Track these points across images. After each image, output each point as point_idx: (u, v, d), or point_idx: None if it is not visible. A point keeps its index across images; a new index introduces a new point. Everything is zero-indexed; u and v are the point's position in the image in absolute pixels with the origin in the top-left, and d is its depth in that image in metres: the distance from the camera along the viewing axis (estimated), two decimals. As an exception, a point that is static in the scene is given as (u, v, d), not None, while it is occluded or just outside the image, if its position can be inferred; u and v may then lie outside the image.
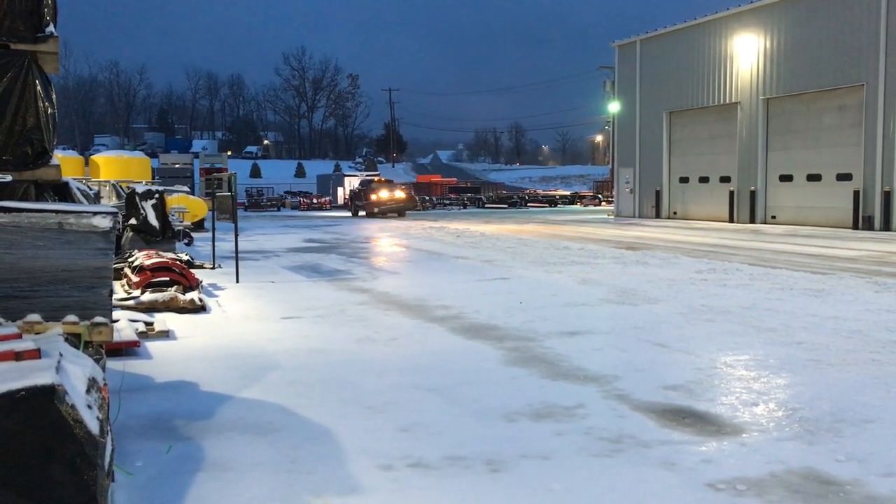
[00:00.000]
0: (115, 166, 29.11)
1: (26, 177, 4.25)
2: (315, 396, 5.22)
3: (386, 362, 6.27)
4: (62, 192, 5.04)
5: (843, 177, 25.44)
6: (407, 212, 39.26)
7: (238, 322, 8.23)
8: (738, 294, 9.72)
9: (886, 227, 23.60)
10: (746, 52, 28.75)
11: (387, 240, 21.11)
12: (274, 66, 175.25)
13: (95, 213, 3.53)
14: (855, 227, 24.42)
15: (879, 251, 16.13)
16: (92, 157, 32.42)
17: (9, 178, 4.46)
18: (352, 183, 59.30)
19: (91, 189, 13.94)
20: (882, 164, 23.86)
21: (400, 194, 39.23)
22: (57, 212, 3.59)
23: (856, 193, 24.63)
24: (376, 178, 45.74)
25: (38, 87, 4.20)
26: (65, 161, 28.28)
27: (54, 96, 4.53)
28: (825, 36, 25.58)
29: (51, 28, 4.34)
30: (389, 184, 41.99)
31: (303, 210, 53.72)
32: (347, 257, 15.86)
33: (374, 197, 38.09)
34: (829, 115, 26.04)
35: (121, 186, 19.77)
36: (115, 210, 3.62)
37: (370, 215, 37.78)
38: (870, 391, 5.19)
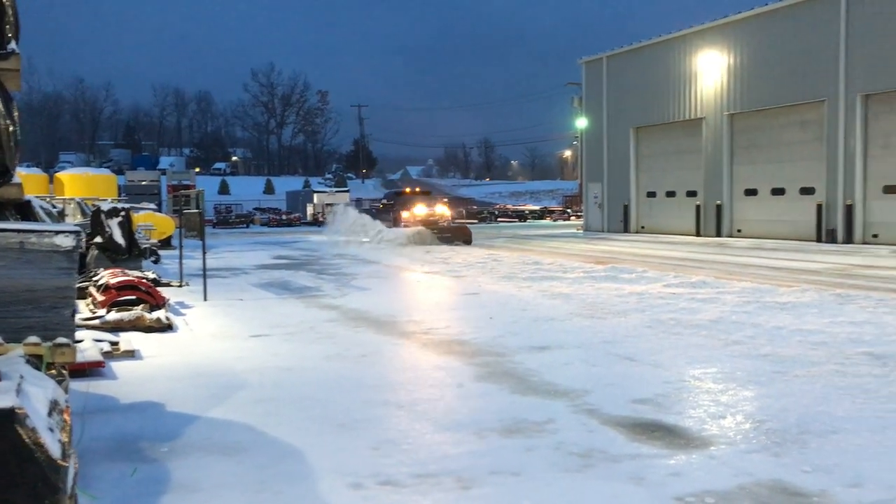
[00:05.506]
0: (80, 184, 28.71)
1: (-13, 195, 4.18)
2: (284, 415, 5.17)
3: (356, 379, 6.24)
4: (24, 210, 4.96)
5: (807, 191, 25.88)
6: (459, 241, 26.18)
7: (206, 340, 8.13)
8: (705, 307, 9.82)
9: (848, 239, 24.02)
10: (711, 69, 29.21)
11: (356, 256, 21.03)
12: (242, 83, 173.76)
13: (58, 232, 3.47)
14: (818, 239, 24.83)
15: (842, 264, 16.41)
16: (56, 174, 31.98)
17: (-31, 196, 4.37)
18: (319, 199, 58.93)
19: (55, 207, 13.74)
20: (843, 178, 24.32)
21: (442, 210, 29.19)
22: (18, 231, 3.53)
23: (819, 207, 25.07)
24: (421, 194, 32.13)
25: (-1, 105, 4.13)
26: (29, 179, 27.81)
27: (16, 114, 4.46)
28: (787, 53, 26.08)
29: (12, 45, 4.28)
30: (427, 197, 30.80)
31: (272, 227, 53.39)
32: (317, 274, 15.77)
33: (405, 214, 27.90)
34: (791, 130, 26.51)
35: (86, 204, 19.49)
36: (77, 229, 3.57)
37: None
38: (834, 402, 5.26)
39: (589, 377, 6.17)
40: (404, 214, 27.76)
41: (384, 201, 32.59)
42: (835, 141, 24.49)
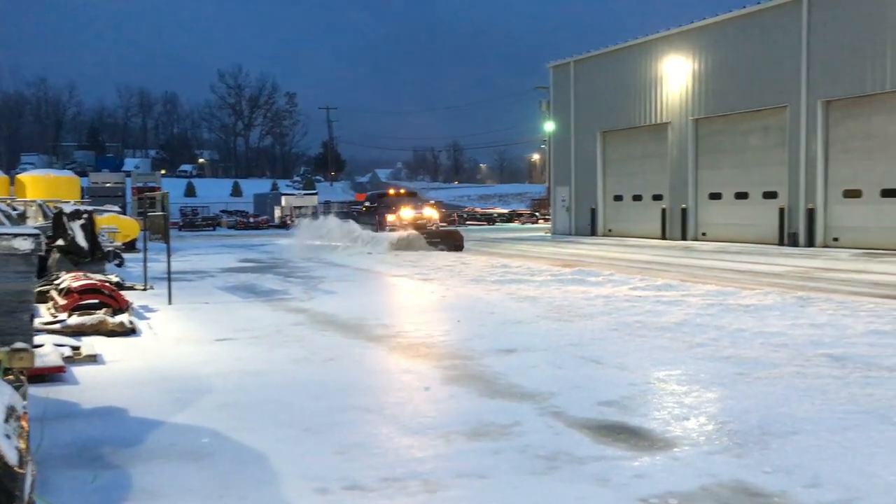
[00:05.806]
0: (42, 185, 28.12)
1: (-57, 197, 4.09)
2: (249, 420, 5.12)
3: (323, 383, 6.20)
4: (-18, 212, 4.86)
5: (769, 195, 26.28)
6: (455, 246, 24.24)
7: (170, 345, 8.03)
8: (670, 310, 9.93)
9: (810, 243, 24.43)
10: (676, 74, 29.56)
11: (325, 260, 20.92)
12: (209, 84, 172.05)
13: (16, 235, 3.41)
14: (781, 243, 25.22)
15: (804, 266, 16.69)
16: (18, 176, 31.37)
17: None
18: (287, 202, 58.52)
19: (15, 209, 13.50)
20: (805, 182, 24.74)
21: (431, 212, 26.59)
22: (-25, 234, 3.46)
23: (781, 211, 25.47)
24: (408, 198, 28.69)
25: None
26: (-12, 180, 27.20)
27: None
28: (750, 59, 26.49)
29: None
30: (413, 199, 28.34)
31: (240, 230, 52.92)
32: (284, 277, 15.66)
33: (390, 217, 25.39)
34: (754, 135, 26.91)
35: (48, 206, 19.15)
36: (36, 232, 3.51)
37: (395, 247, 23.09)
38: (795, 403, 5.35)
39: (555, 380, 6.20)
40: (390, 217, 25.24)
41: (367, 204, 29.61)
42: (797, 146, 24.90)
